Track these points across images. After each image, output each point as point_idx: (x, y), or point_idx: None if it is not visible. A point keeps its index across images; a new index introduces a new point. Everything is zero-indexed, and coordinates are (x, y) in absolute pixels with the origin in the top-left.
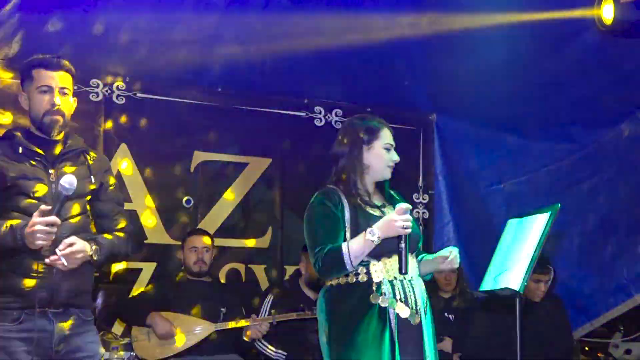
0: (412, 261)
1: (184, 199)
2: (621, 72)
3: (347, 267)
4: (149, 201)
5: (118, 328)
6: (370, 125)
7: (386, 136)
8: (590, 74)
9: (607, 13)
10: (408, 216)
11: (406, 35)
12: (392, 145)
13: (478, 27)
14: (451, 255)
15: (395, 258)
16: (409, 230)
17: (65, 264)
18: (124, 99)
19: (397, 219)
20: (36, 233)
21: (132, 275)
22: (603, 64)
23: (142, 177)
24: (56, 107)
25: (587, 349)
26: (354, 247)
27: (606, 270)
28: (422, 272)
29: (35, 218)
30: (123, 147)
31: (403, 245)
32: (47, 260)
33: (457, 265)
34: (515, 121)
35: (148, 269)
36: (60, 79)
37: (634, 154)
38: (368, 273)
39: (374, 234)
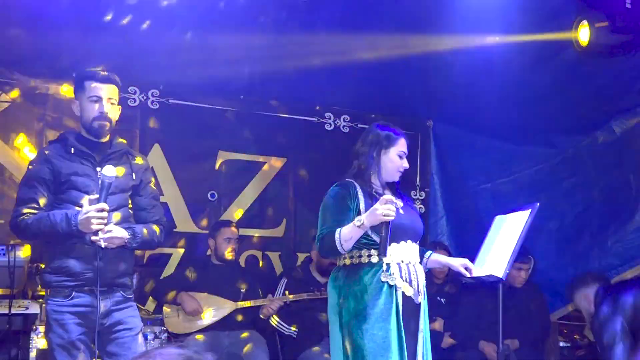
0: (413, 249)
1: (209, 193)
2: (596, 87)
3: (339, 248)
4: (178, 195)
5: (151, 305)
6: (390, 132)
7: (402, 145)
8: (568, 88)
9: (583, 36)
10: (390, 206)
11: (407, 52)
12: (405, 153)
13: (470, 47)
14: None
15: (403, 244)
16: (390, 218)
17: (103, 246)
18: (157, 104)
19: (378, 207)
20: (90, 219)
21: (163, 259)
22: (580, 80)
23: (172, 173)
24: (104, 115)
25: (565, 331)
26: (344, 232)
27: (580, 261)
28: (430, 265)
29: (87, 206)
30: (156, 147)
31: (384, 231)
32: (92, 238)
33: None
34: (502, 128)
35: (177, 254)
36: (108, 91)
37: (606, 159)
38: (378, 255)
39: (360, 220)
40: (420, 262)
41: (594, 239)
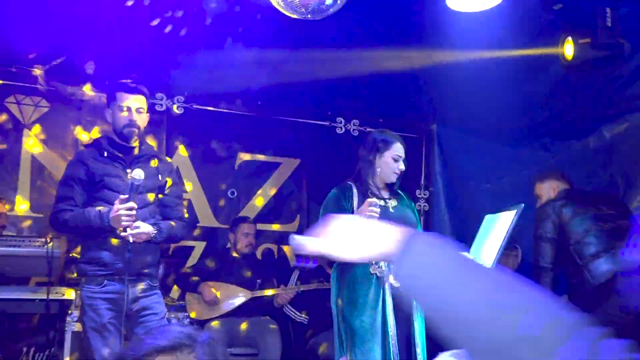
0: None
1: (229, 191)
2: (586, 96)
3: None
4: (200, 192)
5: (175, 293)
6: (385, 138)
7: (397, 149)
8: (560, 96)
9: (568, 51)
10: (373, 207)
11: (412, 64)
12: (400, 156)
13: (471, 59)
14: None
15: None
16: (374, 218)
17: (131, 240)
18: (182, 109)
19: (363, 209)
20: (120, 216)
21: (186, 251)
22: (571, 90)
23: (195, 172)
24: (133, 122)
25: None
26: None
27: None
28: None
29: (117, 205)
30: (181, 148)
31: None
32: (122, 234)
33: None
34: (500, 132)
35: (199, 246)
36: (137, 101)
37: (597, 162)
38: None
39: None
40: None
41: None
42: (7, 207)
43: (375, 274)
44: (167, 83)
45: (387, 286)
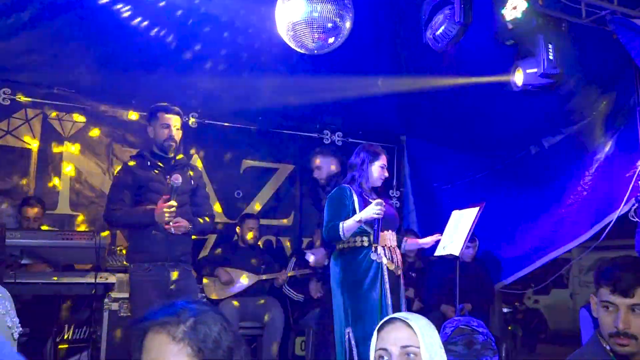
0: (393, 235)
1: (236, 192)
2: (531, 113)
3: (341, 236)
4: (212, 193)
5: None
6: (375, 150)
7: (383, 159)
8: (510, 114)
9: (518, 79)
10: (380, 207)
11: (387, 89)
12: (385, 165)
13: (437, 85)
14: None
15: (386, 233)
16: (380, 215)
17: (173, 231)
18: (196, 124)
19: (372, 208)
20: (164, 214)
21: (201, 243)
22: (519, 109)
23: (208, 176)
24: (172, 138)
25: (507, 298)
26: (346, 224)
27: (518, 243)
28: (408, 248)
29: (161, 204)
30: (195, 157)
31: (376, 225)
32: (165, 227)
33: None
34: (458, 143)
35: (211, 238)
36: (174, 120)
37: (537, 167)
38: (369, 240)
39: (359, 217)
40: (399, 247)
41: (527, 228)
42: (36, 210)
43: (375, 260)
44: (182, 102)
45: (384, 269)
